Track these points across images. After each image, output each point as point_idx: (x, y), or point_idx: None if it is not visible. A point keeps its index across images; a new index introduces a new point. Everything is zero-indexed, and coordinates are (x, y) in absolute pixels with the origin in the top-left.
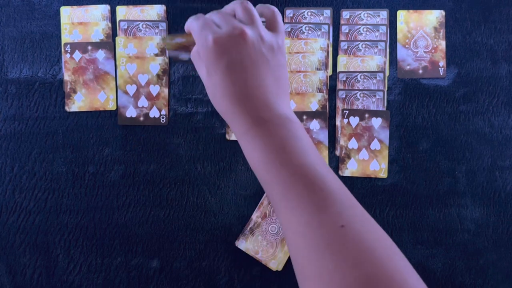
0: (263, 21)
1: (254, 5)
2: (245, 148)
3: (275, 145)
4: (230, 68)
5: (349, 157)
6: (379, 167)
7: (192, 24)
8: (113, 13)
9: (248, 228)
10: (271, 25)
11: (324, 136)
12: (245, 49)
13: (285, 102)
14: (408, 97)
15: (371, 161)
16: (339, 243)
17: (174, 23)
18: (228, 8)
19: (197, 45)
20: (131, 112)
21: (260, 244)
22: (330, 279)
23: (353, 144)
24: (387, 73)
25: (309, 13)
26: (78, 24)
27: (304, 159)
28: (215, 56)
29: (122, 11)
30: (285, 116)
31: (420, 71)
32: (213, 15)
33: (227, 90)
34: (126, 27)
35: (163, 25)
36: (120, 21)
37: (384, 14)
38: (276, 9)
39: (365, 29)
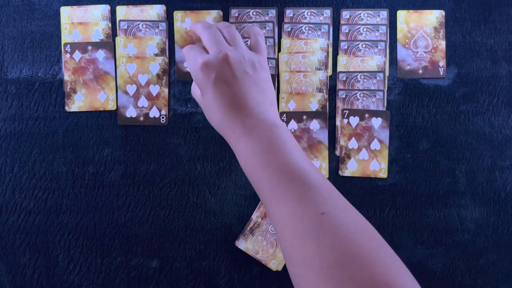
0: (246, 42)
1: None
2: (238, 153)
3: (262, 148)
4: (218, 84)
5: (349, 157)
6: (379, 167)
7: (184, 49)
8: (113, 13)
9: (248, 228)
10: (253, 46)
11: (324, 136)
12: (229, 69)
13: (271, 110)
14: (408, 97)
15: (371, 161)
16: (319, 228)
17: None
18: (218, 25)
19: (189, 68)
20: (131, 112)
21: (260, 244)
22: (312, 263)
23: (353, 144)
24: (387, 73)
25: (309, 13)
26: (78, 24)
27: (289, 158)
28: (204, 75)
29: (122, 11)
30: (271, 121)
31: (420, 71)
32: (203, 33)
33: (218, 103)
34: (126, 27)
35: (163, 25)
36: (120, 21)
37: (384, 14)
38: (259, 31)
39: (365, 29)
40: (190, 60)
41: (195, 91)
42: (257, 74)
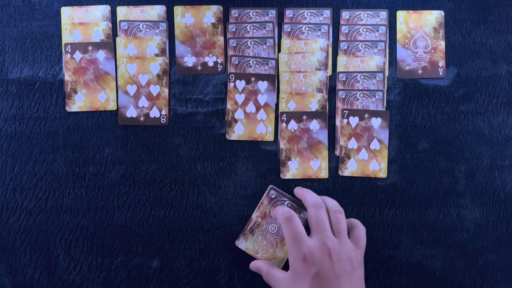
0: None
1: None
2: None
3: None
4: (317, 280)
5: (348, 157)
6: (378, 167)
7: (286, 229)
8: (113, 13)
9: (248, 228)
10: (356, 240)
11: (323, 136)
12: (330, 265)
13: None
14: (407, 97)
15: (371, 161)
16: None
17: (173, 24)
18: (327, 204)
19: (289, 252)
20: (131, 112)
21: (260, 244)
22: None
23: (352, 144)
24: (386, 73)
25: (309, 14)
26: (78, 25)
27: None
28: (305, 267)
29: (123, 12)
30: None
31: (420, 71)
32: (312, 211)
33: None
34: (126, 27)
35: (163, 26)
36: (120, 21)
37: (383, 14)
38: (363, 227)
39: (364, 30)
40: (293, 244)
41: (277, 273)
42: (355, 273)
